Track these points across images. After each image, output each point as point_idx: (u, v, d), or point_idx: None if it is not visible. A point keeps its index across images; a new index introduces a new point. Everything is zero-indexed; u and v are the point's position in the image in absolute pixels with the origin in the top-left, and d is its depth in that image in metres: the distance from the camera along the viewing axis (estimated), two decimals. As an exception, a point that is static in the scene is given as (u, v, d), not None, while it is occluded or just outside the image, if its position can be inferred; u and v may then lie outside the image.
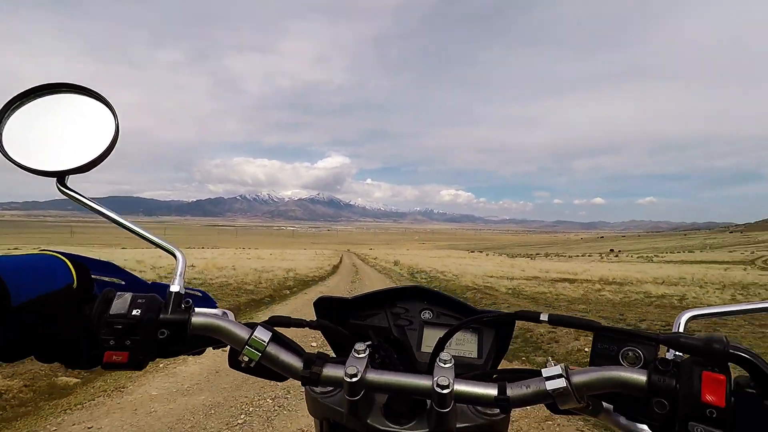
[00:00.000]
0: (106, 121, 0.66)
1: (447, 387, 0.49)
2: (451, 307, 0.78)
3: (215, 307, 0.65)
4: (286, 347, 0.56)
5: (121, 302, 0.55)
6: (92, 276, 0.58)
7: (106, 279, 0.62)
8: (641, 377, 0.46)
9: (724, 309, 0.57)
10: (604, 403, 0.54)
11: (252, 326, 0.56)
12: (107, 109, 0.67)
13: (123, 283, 0.63)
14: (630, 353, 0.52)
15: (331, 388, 0.59)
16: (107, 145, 0.64)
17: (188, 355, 0.62)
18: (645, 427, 0.52)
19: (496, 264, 31.12)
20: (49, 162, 0.64)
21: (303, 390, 0.63)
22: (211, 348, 0.63)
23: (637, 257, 68.51)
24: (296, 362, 0.54)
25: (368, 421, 0.56)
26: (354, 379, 0.51)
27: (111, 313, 0.54)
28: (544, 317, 0.54)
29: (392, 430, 0.55)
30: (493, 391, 0.50)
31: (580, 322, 0.54)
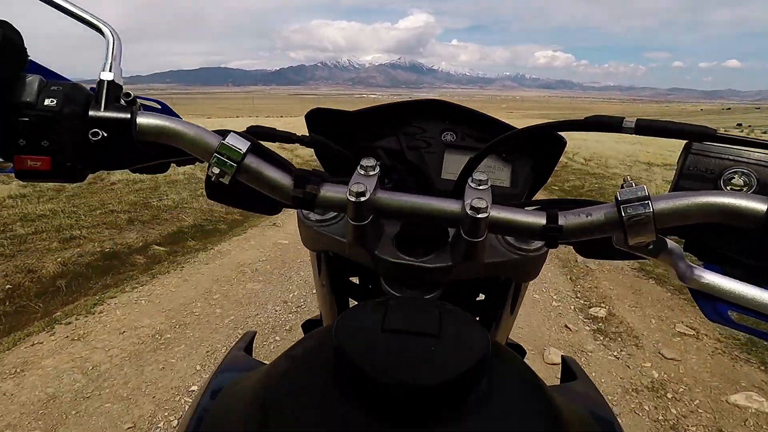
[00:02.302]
0: None
1: (483, 210, 0.38)
2: (479, 128, 0.63)
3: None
4: (271, 161, 0.43)
5: (26, 86, 0.39)
6: None
7: None
8: (761, 205, 0.32)
9: None
10: (669, 242, 0.39)
11: (224, 133, 0.42)
12: None
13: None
14: (736, 176, 0.39)
15: (332, 215, 0.49)
16: None
17: (140, 171, 0.49)
18: (715, 275, 0.36)
19: (622, 142, 16.44)
20: None
21: None
22: (174, 164, 0.50)
23: (780, 132, 57.66)
24: (285, 180, 0.42)
25: (376, 252, 0.45)
26: (361, 199, 0.39)
27: (18, 101, 0.38)
28: (629, 122, 0.41)
29: (406, 263, 0.45)
30: (541, 220, 0.39)
31: (677, 127, 0.40)
